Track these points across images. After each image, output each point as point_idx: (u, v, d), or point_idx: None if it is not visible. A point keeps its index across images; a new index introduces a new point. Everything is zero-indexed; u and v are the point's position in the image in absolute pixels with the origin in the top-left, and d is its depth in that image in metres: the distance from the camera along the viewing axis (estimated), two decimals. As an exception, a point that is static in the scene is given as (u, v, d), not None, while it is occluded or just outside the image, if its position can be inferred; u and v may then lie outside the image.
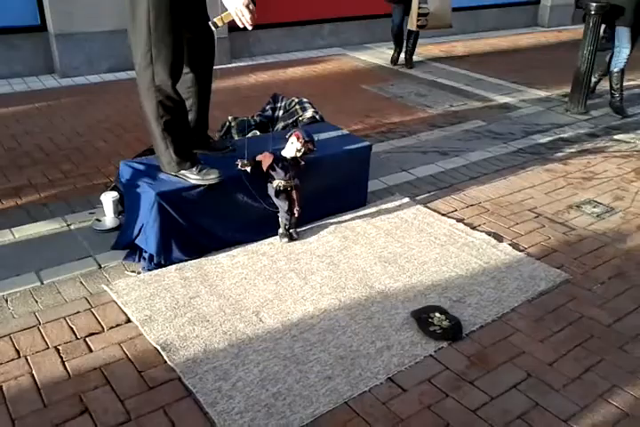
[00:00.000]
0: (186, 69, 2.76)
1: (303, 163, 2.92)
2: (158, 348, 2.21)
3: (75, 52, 5.68)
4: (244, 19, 2.44)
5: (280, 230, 2.98)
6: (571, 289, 2.72)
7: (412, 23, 5.99)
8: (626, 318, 2.53)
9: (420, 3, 5.84)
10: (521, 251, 3.00)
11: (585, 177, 3.91)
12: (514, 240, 3.10)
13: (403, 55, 6.50)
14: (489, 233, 3.15)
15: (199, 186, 2.73)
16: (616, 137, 4.60)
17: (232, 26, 6.60)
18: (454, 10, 6.35)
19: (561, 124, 4.86)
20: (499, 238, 3.10)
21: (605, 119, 5.00)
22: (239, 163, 2.75)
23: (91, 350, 2.19)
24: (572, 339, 2.39)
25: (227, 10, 2.46)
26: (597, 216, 3.41)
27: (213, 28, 2.52)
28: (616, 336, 2.41)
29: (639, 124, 4.89)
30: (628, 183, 3.83)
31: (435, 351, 2.27)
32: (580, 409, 2.04)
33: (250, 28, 2.48)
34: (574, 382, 2.16)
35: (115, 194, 3.10)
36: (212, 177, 2.74)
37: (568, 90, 5.20)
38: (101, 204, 3.09)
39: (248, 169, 2.77)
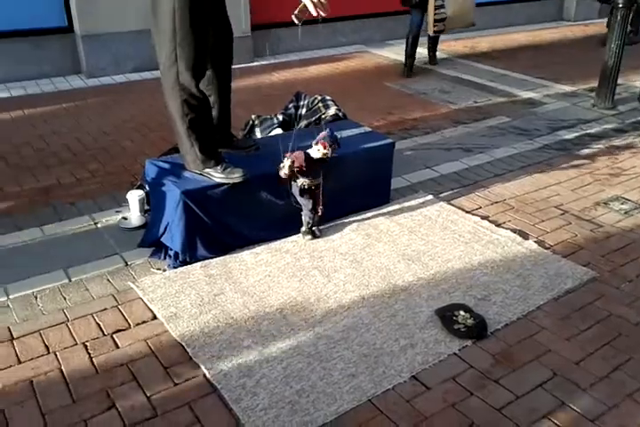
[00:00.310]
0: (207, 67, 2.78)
1: (327, 161, 2.91)
2: (183, 344, 2.23)
3: (101, 52, 5.76)
4: (319, 7, 2.45)
5: (303, 228, 2.99)
6: (598, 287, 2.68)
7: (429, 28, 5.81)
8: (655, 317, 2.48)
9: (436, 8, 5.57)
10: (547, 248, 2.96)
11: (612, 173, 3.84)
12: (539, 238, 3.07)
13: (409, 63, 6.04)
14: (514, 230, 3.12)
15: (223, 184, 2.76)
16: (645, 132, 4.52)
17: (254, 24, 6.59)
18: (478, 5, 6.27)
19: (587, 119, 4.78)
20: (524, 236, 3.07)
21: (633, 114, 4.90)
22: (282, 166, 2.73)
23: (117, 347, 2.23)
24: (599, 337, 2.36)
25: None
26: (625, 213, 3.35)
27: (297, 22, 2.52)
28: (645, 335, 2.37)
29: (669, 119, 4.80)
30: (657, 179, 3.75)
31: (459, 350, 2.26)
32: (608, 409, 2.01)
33: (324, 14, 2.49)
34: (602, 381, 2.13)
35: (141, 192, 3.14)
36: (236, 175, 2.76)
37: (595, 85, 5.11)
38: (127, 202, 3.14)
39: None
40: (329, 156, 2.82)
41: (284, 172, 2.74)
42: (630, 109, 5.01)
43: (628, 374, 2.16)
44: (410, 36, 5.93)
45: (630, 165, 3.94)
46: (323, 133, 2.84)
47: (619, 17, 4.69)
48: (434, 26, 5.73)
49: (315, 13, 2.47)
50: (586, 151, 4.18)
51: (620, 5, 4.66)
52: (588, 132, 4.53)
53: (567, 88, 5.61)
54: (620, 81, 5.03)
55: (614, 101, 5.01)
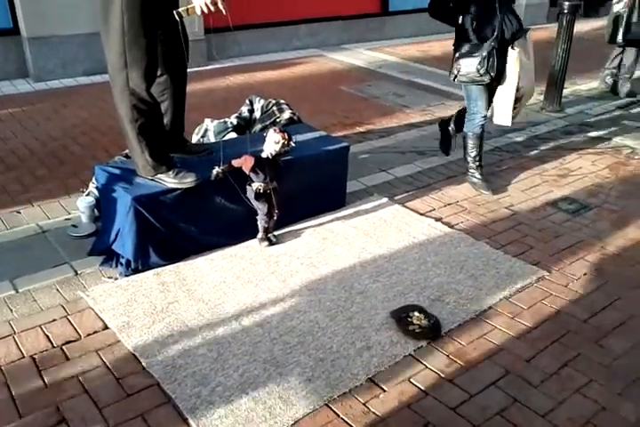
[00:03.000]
0: (160, 72, 2.74)
1: (281, 164, 2.91)
2: (136, 354, 2.19)
3: (49, 55, 5.62)
4: (211, 7, 2.45)
5: (259, 235, 2.97)
6: (547, 285, 2.75)
7: (503, 116, 3.62)
8: (601, 313, 2.56)
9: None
10: (498, 248, 3.02)
11: (560, 174, 3.95)
12: (491, 238, 3.13)
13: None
14: (467, 231, 3.17)
15: (176, 189, 2.72)
16: (590, 134, 4.66)
17: (208, 27, 6.53)
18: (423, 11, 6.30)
19: (536, 122, 4.91)
20: (476, 237, 3.13)
21: (580, 117, 5.06)
22: (214, 172, 2.73)
23: (67, 359, 2.17)
24: (549, 335, 2.42)
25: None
26: (573, 213, 3.45)
27: (177, 18, 2.51)
28: (592, 331, 2.44)
29: (613, 122, 4.96)
30: (602, 180, 3.88)
31: (414, 351, 2.28)
32: (558, 404, 2.06)
33: (224, 12, 2.50)
34: (552, 377, 2.19)
35: (91, 199, 3.08)
36: (188, 180, 2.73)
37: (543, 88, 5.25)
38: (77, 209, 3.06)
39: (220, 174, 2.74)
40: (282, 144, 2.80)
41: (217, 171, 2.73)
42: (577, 112, 5.17)
43: (576, 370, 2.23)
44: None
45: (577, 166, 4.07)
46: (272, 129, 2.84)
47: (564, 22, 4.84)
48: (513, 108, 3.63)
49: (199, 12, 2.48)
50: (535, 153, 4.29)
51: (565, 11, 4.81)
52: (536, 134, 4.65)
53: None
54: (566, 84, 5.18)
55: (562, 104, 5.16)
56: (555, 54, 4.96)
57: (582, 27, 8.27)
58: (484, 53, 3.32)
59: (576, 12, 4.84)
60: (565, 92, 5.24)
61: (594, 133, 4.68)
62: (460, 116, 3.85)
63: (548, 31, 8.28)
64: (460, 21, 3.37)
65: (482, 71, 3.33)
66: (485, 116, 3.59)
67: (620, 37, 5.17)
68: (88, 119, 4.64)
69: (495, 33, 3.32)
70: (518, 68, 3.44)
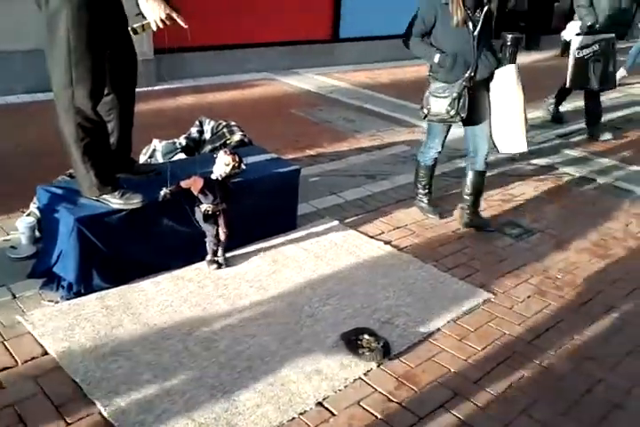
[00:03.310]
0: (107, 91, 2.70)
1: (231, 186, 2.89)
2: (77, 380, 2.10)
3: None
4: (167, 23, 2.44)
5: (208, 257, 2.93)
6: (493, 308, 2.81)
7: (516, 143, 3.47)
8: (545, 335, 2.63)
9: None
10: (445, 271, 3.07)
11: (504, 199, 4.07)
12: (439, 261, 3.18)
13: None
14: (415, 254, 3.22)
15: (121, 210, 2.66)
16: (533, 161, 4.84)
17: (158, 47, 6.47)
18: (379, 38, 6.44)
19: (481, 148, 5.06)
20: (424, 259, 3.17)
21: (522, 144, 5.24)
22: (162, 193, 2.69)
23: (2, 387, 2.06)
24: (495, 356, 2.46)
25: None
26: (516, 237, 3.55)
27: (132, 34, 2.49)
28: (536, 353, 2.50)
29: (555, 149, 5.17)
30: (544, 205, 4.02)
31: (364, 374, 2.28)
32: (504, 426, 2.09)
33: (184, 25, 2.50)
34: (498, 398, 2.22)
35: (31, 219, 2.97)
36: (134, 201, 2.67)
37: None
38: (17, 230, 2.95)
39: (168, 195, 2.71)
40: (232, 166, 2.78)
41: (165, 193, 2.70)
42: (519, 140, 5.35)
43: (521, 391, 2.27)
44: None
45: (520, 192, 4.21)
46: (222, 151, 2.82)
47: (507, 54, 5.03)
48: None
49: (155, 28, 2.48)
50: (480, 178, 4.40)
51: (509, 43, 5.01)
52: (481, 160, 4.78)
53: (462, 119, 5.92)
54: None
55: (505, 132, 5.34)
56: (498, 84, 5.14)
57: (524, 59, 8.64)
58: (455, 94, 3.19)
59: (519, 44, 5.05)
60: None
61: (536, 161, 4.85)
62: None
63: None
64: (436, 60, 3.23)
65: (452, 113, 3.24)
66: (440, 152, 3.65)
67: (595, 85, 5.18)
68: (30, 139, 4.49)
69: (469, 71, 3.18)
70: (519, 84, 3.21)
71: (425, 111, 3.39)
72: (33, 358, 2.20)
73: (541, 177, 4.52)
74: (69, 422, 1.93)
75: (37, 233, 2.96)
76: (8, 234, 3.07)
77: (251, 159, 3.26)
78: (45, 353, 2.23)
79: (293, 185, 3.36)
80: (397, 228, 3.53)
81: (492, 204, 3.98)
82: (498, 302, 2.85)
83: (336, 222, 3.49)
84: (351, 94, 6.60)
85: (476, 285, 2.97)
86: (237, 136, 3.70)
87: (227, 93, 6.26)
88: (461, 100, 3.21)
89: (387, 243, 3.31)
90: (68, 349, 2.25)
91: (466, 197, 3.61)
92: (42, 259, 2.74)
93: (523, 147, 3.47)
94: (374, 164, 4.54)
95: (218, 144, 3.67)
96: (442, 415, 2.11)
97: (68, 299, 2.56)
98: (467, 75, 3.19)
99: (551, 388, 2.29)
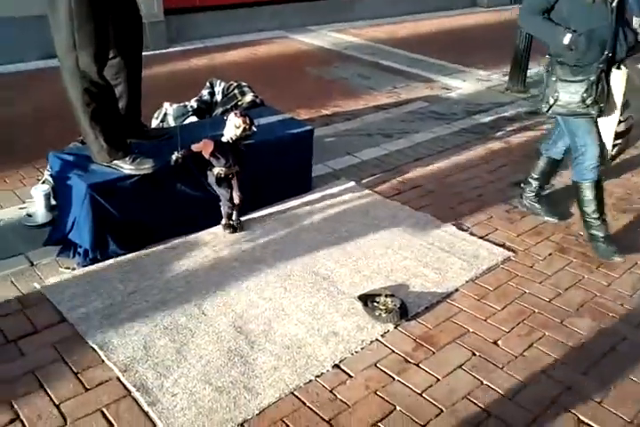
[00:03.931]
0: (112, 54, 2.63)
1: (243, 148, 2.83)
2: (95, 347, 2.11)
3: (1, 39, 5.37)
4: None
5: (223, 221, 2.90)
6: (513, 266, 2.75)
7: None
8: (566, 293, 2.57)
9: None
10: (464, 230, 3.01)
11: (525, 155, 3.95)
12: (457, 220, 3.12)
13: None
14: (433, 214, 3.15)
15: (133, 176, 2.63)
16: (555, 115, 4.67)
17: (168, 8, 6.35)
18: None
19: (502, 103, 4.91)
20: (442, 219, 3.11)
21: (544, 97, 5.06)
22: (173, 157, 2.65)
23: (23, 354, 2.08)
24: (515, 316, 2.42)
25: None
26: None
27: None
28: (557, 311, 2.45)
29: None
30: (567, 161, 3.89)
31: (381, 335, 2.26)
32: (524, 386, 2.06)
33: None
34: (518, 358, 2.19)
35: (46, 187, 2.96)
36: (146, 166, 2.64)
37: (508, 69, 5.24)
38: (32, 198, 2.94)
39: (180, 159, 2.67)
40: (250, 131, 2.73)
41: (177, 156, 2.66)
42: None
43: (541, 351, 2.23)
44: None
45: (542, 147, 4.07)
46: (232, 113, 2.76)
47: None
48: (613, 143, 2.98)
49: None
50: (501, 134, 4.28)
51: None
52: (502, 115, 4.65)
53: (482, 73, 5.74)
54: (531, 65, 5.18)
55: (526, 85, 5.16)
56: (518, 34, 4.94)
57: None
58: (593, 78, 2.60)
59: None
60: (530, 72, 5.23)
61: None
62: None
63: (510, 12, 8.28)
64: (566, 41, 2.59)
65: (589, 101, 2.62)
66: (598, 165, 2.78)
67: None
68: (44, 105, 4.46)
69: (606, 51, 2.59)
70: (622, 92, 2.70)
71: (550, 101, 2.73)
72: (51, 325, 2.22)
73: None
74: (88, 387, 1.95)
75: (53, 200, 2.95)
76: (24, 202, 3.07)
77: (263, 120, 3.19)
78: (63, 320, 2.25)
79: (307, 146, 3.29)
80: (415, 187, 3.46)
81: (513, 159, 3.87)
82: (518, 261, 2.79)
83: (352, 183, 3.43)
84: (367, 50, 6.42)
85: (496, 243, 2.91)
86: (249, 97, 3.61)
87: (239, 53, 6.12)
88: (599, 86, 2.61)
89: (404, 203, 3.25)
90: (86, 315, 2.26)
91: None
92: (57, 226, 2.74)
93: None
94: (391, 122, 4.43)
95: (229, 106, 3.59)
96: (460, 376, 2.09)
97: (84, 266, 2.56)
98: (604, 56, 2.60)
99: (573, 347, 2.25)
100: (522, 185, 3.27)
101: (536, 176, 3.20)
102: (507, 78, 5.26)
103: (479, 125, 4.43)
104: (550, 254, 2.86)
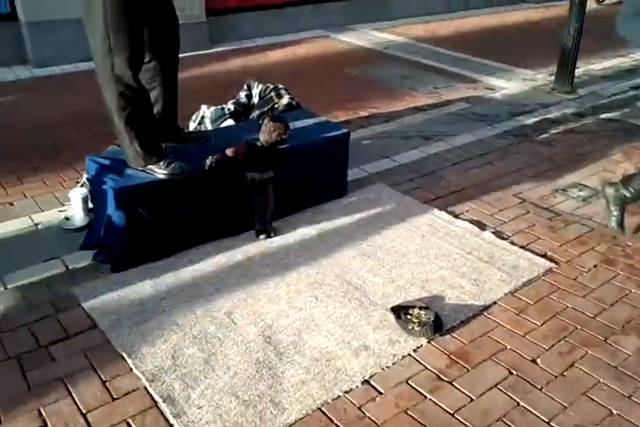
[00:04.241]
0: (148, 58, 2.63)
1: (278, 153, 2.80)
2: (124, 355, 2.11)
3: (48, 40, 5.49)
4: None
5: (256, 226, 2.87)
6: (555, 278, 2.63)
7: None
8: (612, 309, 2.45)
9: None
10: (504, 239, 2.91)
11: (571, 159, 3.80)
12: (497, 228, 3.01)
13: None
14: (472, 221, 3.05)
15: (167, 180, 2.62)
16: (603, 116, 4.49)
17: (210, 9, 6.37)
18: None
19: (547, 103, 4.74)
20: (482, 227, 3.01)
21: (592, 98, 4.88)
22: (207, 162, 2.63)
23: (53, 360, 2.09)
24: (556, 332, 2.31)
25: None
26: (583, 200, 3.31)
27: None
28: (601, 328, 2.33)
29: (627, 103, 4.77)
30: (615, 164, 3.72)
31: (413, 350, 2.19)
32: (564, 409, 1.96)
33: None
34: (558, 378, 2.09)
35: (84, 190, 2.99)
36: (179, 171, 2.63)
37: (554, 68, 5.06)
38: (71, 201, 2.98)
39: (214, 164, 2.65)
40: (277, 133, 2.69)
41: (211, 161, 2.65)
42: (589, 93, 4.98)
43: (583, 371, 2.12)
44: None
45: (588, 151, 3.91)
46: (267, 117, 2.73)
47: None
48: None
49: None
50: (545, 137, 4.13)
51: (579, -13, 4.58)
52: (547, 117, 4.49)
53: (527, 72, 5.56)
54: (578, 64, 4.99)
55: (573, 85, 4.97)
56: (566, 33, 4.75)
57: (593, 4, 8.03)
58: None
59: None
60: (577, 72, 5.04)
61: (607, 115, 4.50)
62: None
63: (560, 8, 8.01)
64: None
65: None
66: None
67: None
68: (87, 107, 4.51)
69: None
70: None
71: None
72: (82, 332, 2.23)
73: (612, 133, 4.19)
74: (115, 396, 1.95)
75: (90, 204, 2.98)
76: (63, 205, 3.11)
77: (298, 124, 3.15)
78: (95, 326, 2.26)
79: (343, 149, 3.23)
80: (454, 192, 3.36)
81: (558, 164, 3.72)
82: (561, 273, 2.67)
83: (388, 188, 3.35)
84: (408, 49, 6.31)
85: (538, 253, 2.79)
86: (285, 100, 3.57)
87: (279, 54, 6.10)
88: None
89: (441, 209, 3.16)
90: (116, 322, 2.27)
91: None
92: (93, 230, 2.77)
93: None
94: (431, 123, 4.33)
95: (266, 108, 3.56)
96: (496, 396, 2.00)
97: (117, 271, 2.57)
98: None
99: (617, 368, 2.13)
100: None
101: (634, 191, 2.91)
102: (553, 78, 5.08)
103: (523, 127, 4.29)
104: (595, 266, 2.73)
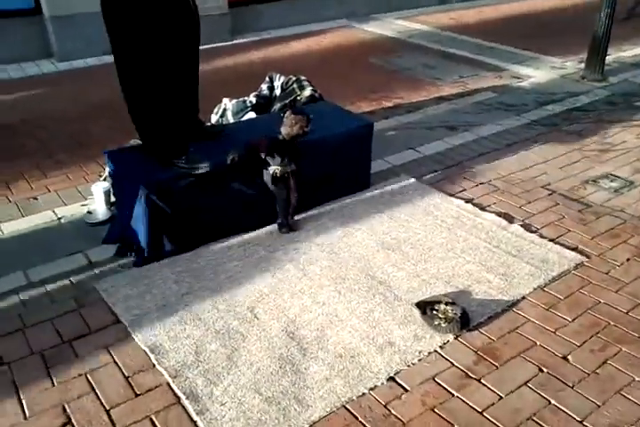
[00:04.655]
0: (169, 52, 2.59)
1: (300, 146, 2.75)
2: (147, 350, 2.10)
3: (72, 34, 5.51)
4: None
5: (279, 220, 2.84)
6: (586, 272, 2.55)
7: None
8: (646, 304, 2.36)
9: None
10: (533, 232, 2.83)
11: (602, 149, 3.69)
12: (526, 221, 2.93)
13: None
14: (499, 214, 2.98)
15: (190, 175, 2.60)
16: (635, 104, 4.35)
17: (231, 0, 6.32)
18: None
19: (576, 92, 4.61)
20: (509, 219, 2.93)
21: (623, 86, 4.73)
22: (230, 157, 2.60)
23: (77, 355, 2.09)
24: (587, 328, 2.24)
25: None
26: (615, 191, 3.21)
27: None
28: (635, 324, 2.25)
29: (661, 90, 4.62)
30: (649, 154, 3.60)
31: (440, 346, 2.14)
32: (597, 407, 1.90)
33: None
34: (590, 376, 2.02)
35: (106, 184, 2.99)
36: (202, 165, 2.60)
37: (584, 56, 4.92)
38: (93, 195, 2.98)
39: (236, 158, 2.61)
40: (299, 126, 2.64)
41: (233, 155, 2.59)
42: (621, 81, 4.83)
43: (617, 368, 2.05)
44: None
45: (620, 140, 3.79)
46: (289, 110, 2.68)
47: None
48: None
49: None
50: (575, 126, 4.02)
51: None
52: (576, 105, 4.36)
53: (556, 60, 5.41)
54: (609, 51, 4.83)
55: (604, 73, 4.83)
56: (597, 19, 4.60)
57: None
58: None
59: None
60: (608, 59, 4.89)
61: (639, 104, 4.36)
62: None
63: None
64: None
65: None
66: None
67: None
68: (110, 100, 4.50)
69: None
70: None
71: None
72: (105, 327, 2.22)
73: (646, 122, 4.05)
74: (138, 392, 1.94)
75: (113, 197, 2.98)
76: (86, 199, 3.11)
77: (321, 116, 3.09)
78: (118, 321, 2.25)
79: (366, 141, 3.17)
80: (480, 184, 3.28)
81: (587, 154, 3.61)
82: (592, 266, 2.59)
83: (413, 180, 3.29)
84: (433, 38, 6.19)
85: (568, 246, 2.71)
86: (308, 91, 3.52)
87: (302, 44, 6.04)
88: None
89: (468, 201, 3.09)
90: (139, 317, 2.26)
91: None
92: (115, 224, 2.76)
93: None
94: (456, 114, 4.24)
95: (288, 101, 3.52)
96: (526, 394, 1.94)
97: (140, 265, 2.56)
98: None
99: (652, 365, 2.06)
100: None
101: None
102: (583, 66, 4.93)
103: (551, 117, 4.18)
104: (628, 260, 2.64)
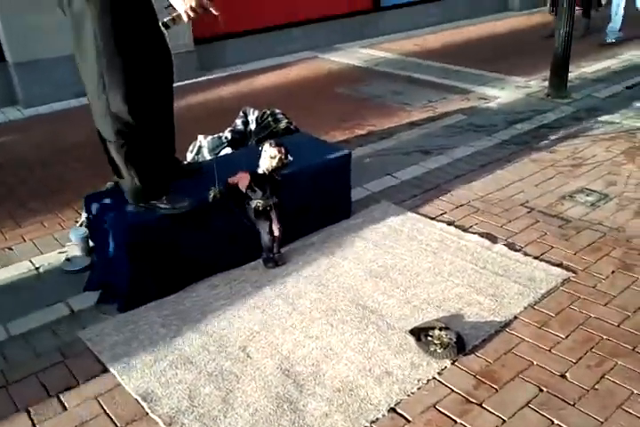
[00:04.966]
0: (142, 92, 2.58)
1: (280, 178, 2.75)
2: (139, 398, 2.03)
3: (37, 80, 5.47)
4: (198, 12, 2.28)
5: (263, 255, 2.81)
6: (574, 288, 2.57)
7: None
8: (635, 315, 2.37)
9: None
10: (517, 251, 2.84)
11: (574, 164, 3.76)
12: (509, 240, 2.95)
13: None
14: (482, 234, 2.99)
15: (171, 215, 2.56)
16: (600, 119, 4.46)
17: (197, 37, 6.36)
18: (419, 2, 6.10)
19: (543, 109, 4.71)
20: (493, 239, 2.95)
21: (587, 101, 4.86)
22: (211, 193, 2.58)
23: (65, 408, 2.01)
24: (581, 344, 2.24)
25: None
26: (592, 205, 3.26)
27: (164, 29, 2.35)
28: (627, 337, 2.26)
29: (623, 103, 4.75)
30: (619, 166, 3.68)
31: (438, 373, 2.11)
32: (600, 424, 1.88)
33: (215, 12, 2.33)
34: (590, 392, 2.01)
35: (84, 230, 2.94)
36: (183, 205, 2.58)
37: (547, 74, 5.05)
38: (71, 242, 2.92)
39: (217, 195, 2.60)
40: (278, 158, 2.64)
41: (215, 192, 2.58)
42: (584, 96, 4.96)
43: (615, 383, 2.04)
44: None
45: (591, 154, 3.87)
46: (267, 143, 2.68)
47: (565, 4, 4.63)
48: None
49: (186, 19, 2.32)
50: (545, 143, 4.10)
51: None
52: (544, 122, 4.45)
53: (520, 79, 5.55)
54: (571, 68, 4.97)
55: (568, 89, 4.96)
56: (556, 37, 4.74)
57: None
58: None
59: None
60: (570, 76, 5.03)
61: (604, 117, 4.48)
62: None
63: (542, 15, 8.03)
64: None
65: None
66: None
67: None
68: (81, 144, 4.49)
69: None
70: None
71: None
72: (93, 377, 2.15)
73: (612, 135, 4.15)
74: (133, 444, 1.87)
75: (91, 243, 2.92)
76: (63, 246, 3.05)
77: (298, 147, 3.09)
78: (105, 370, 2.18)
79: (345, 171, 3.18)
80: (460, 206, 3.31)
81: (561, 170, 3.68)
82: (579, 281, 2.60)
83: (393, 206, 3.30)
84: (398, 65, 6.31)
85: (553, 263, 2.73)
86: (283, 124, 3.54)
87: (270, 77, 6.10)
88: None
89: (450, 224, 3.10)
90: (128, 364, 2.19)
91: None
92: (96, 271, 2.71)
93: None
94: (428, 138, 4.30)
95: (263, 135, 3.52)
96: (528, 416, 1.92)
97: (124, 311, 2.50)
98: None
99: (650, 377, 2.06)
100: None
101: None
102: (546, 84, 5.06)
103: (521, 135, 4.25)
104: (613, 272, 2.66)
